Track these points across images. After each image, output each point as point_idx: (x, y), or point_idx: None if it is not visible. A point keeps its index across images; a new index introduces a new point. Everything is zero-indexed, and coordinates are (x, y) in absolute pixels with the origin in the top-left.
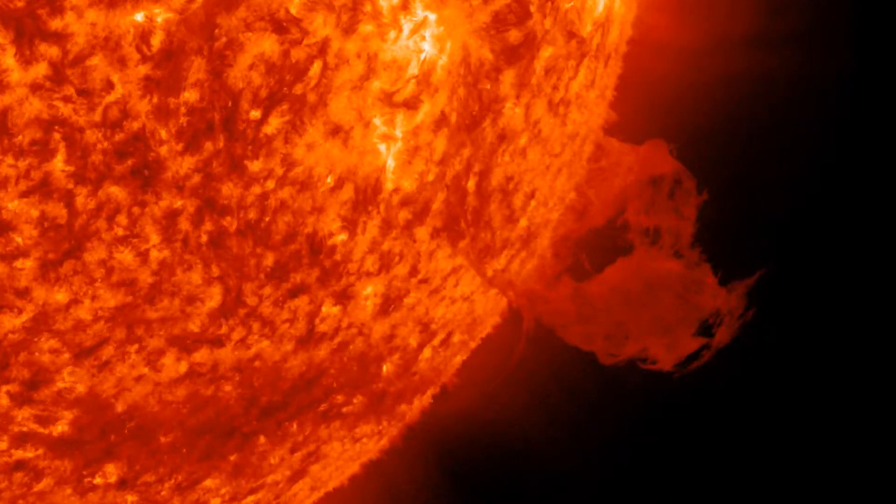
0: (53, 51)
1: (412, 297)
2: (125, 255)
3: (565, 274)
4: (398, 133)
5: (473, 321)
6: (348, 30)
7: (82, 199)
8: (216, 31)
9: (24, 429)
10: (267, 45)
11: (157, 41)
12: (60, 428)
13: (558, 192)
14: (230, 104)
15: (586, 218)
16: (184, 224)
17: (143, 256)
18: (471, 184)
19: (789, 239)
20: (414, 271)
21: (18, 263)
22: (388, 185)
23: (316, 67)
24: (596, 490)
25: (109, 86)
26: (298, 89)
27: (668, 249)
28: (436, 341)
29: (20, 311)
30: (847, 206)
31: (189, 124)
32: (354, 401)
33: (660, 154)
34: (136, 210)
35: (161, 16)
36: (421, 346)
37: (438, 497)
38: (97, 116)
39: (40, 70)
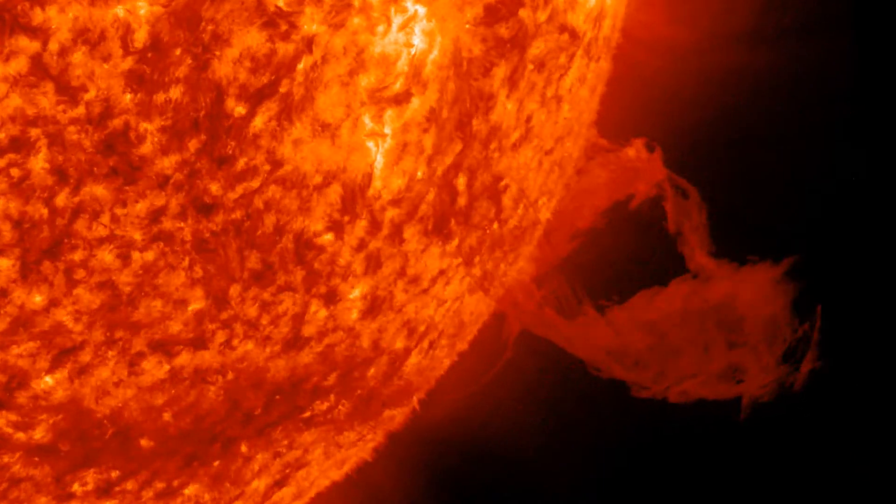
0: (34, 45)
1: (399, 298)
2: (106, 256)
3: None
4: (387, 130)
5: (461, 324)
6: (337, 24)
7: (64, 197)
8: (202, 24)
9: (1, 434)
10: (254, 39)
11: (140, 35)
12: (38, 434)
13: (550, 191)
14: (215, 100)
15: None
16: (167, 223)
17: (125, 257)
18: (461, 182)
19: (787, 240)
20: (402, 272)
21: None
22: (377, 184)
23: (304, 62)
24: (591, 495)
25: (92, 81)
26: (285, 85)
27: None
28: (423, 344)
29: None
30: (848, 205)
31: (173, 121)
32: (339, 406)
33: (648, 155)
34: (118, 209)
35: (145, 9)
36: (408, 350)
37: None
38: (79, 113)
39: (20, 65)
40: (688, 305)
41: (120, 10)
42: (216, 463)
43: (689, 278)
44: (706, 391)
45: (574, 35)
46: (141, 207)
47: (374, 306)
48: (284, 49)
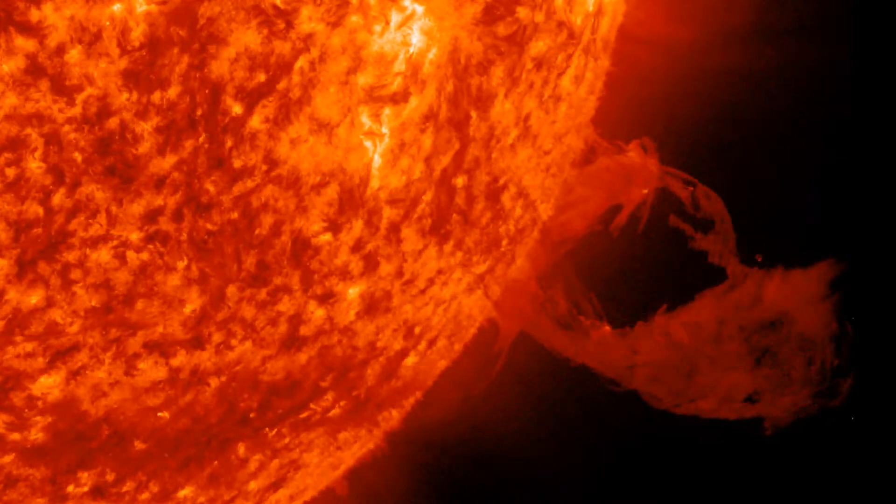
0: (31, 44)
1: (397, 299)
2: (102, 256)
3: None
4: (385, 129)
5: (458, 325)
6: (335, 23)
7: (60, 197)
8: (199, 23)
9: None
10: (251, 38)
11: (137, 34)
12: (34, 434)
13: (548, 191)
14: (212, 99)
15: (551, 237)
16: (164, 223)
17: (121, 257)
18: (459, 181)
19: (786, 241)
20: (399, 273)
21: None
22: (375, 183)
23: (301, 61)
24: (591, 495)
25: (88, 81)
26: (283, 84)
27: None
28: (421, 345)
29: None
30: (847, 205)
31: (170, 120)
32: (336, 407)
33: (647, 155)
34: (114, 209)
35: (142, 8)
36: (405, 351)
37: None
38: (75, 112)
39: (17, 64)
40: (708, 317)
41: (117, 9)
42: (212, 464)
43: (702, 285)
44: (724, 410)
45: (572, 34)
46: (137, 207)
47: (371, 306)
48: (282, 48)
